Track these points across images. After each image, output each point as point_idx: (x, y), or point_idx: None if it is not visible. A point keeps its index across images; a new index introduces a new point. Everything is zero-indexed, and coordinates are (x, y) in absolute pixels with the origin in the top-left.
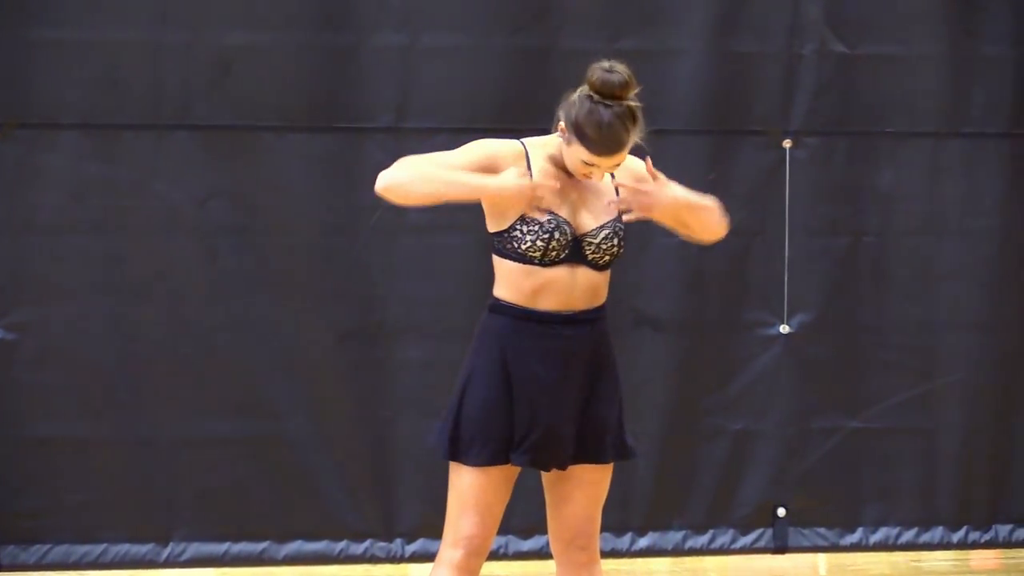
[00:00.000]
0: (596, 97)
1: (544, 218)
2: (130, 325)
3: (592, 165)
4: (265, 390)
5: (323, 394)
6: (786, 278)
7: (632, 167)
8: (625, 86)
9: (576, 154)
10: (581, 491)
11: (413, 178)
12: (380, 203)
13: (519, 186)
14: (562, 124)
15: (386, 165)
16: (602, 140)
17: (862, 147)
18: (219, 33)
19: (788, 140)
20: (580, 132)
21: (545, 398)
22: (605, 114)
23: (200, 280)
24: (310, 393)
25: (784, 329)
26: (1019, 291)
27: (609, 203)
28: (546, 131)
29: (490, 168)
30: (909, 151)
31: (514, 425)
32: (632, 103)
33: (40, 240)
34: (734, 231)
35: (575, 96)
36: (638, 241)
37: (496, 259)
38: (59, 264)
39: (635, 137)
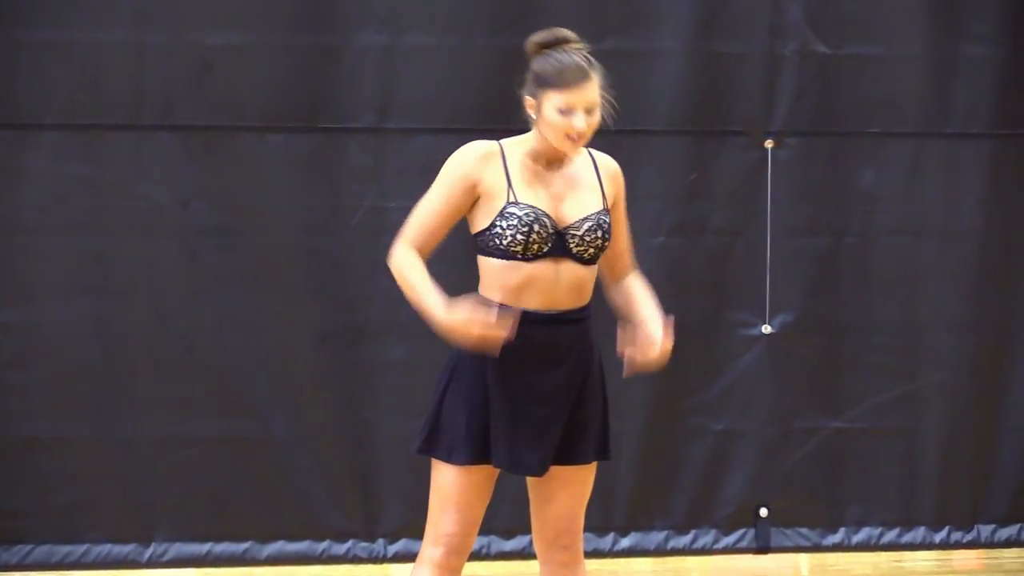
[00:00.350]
0: (546, 50)
1: (522, 212)
2: (113, 325)
3: (569, 113)
4: (247, 390)
5: (305, 394)
6: (768, 278)
7: (614, 172)
8: (568, 35)
9: (550, 107)
10: (565, 490)
11: (402, 280)
12: (362, 202)
13: (458, 329)
14: (529, 99)
15: (369, 166)
16: (567, 70)
17: (844, 147)
18: (201, 33)
19: (770, 140)
20: (544, 80)
21: (527, 400)
22: (560, 54)
23: (182, 280)
24: (292, 393)
25: (766, 329)
26: (1000, 291)
27: (620, 353)
28: (526, 132)
29: (469, 191)
30: (891, 151)
31: (493, 425)
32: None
33: (22, 240)
34: (716, 231)
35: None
36: None
37: (480, 259)
38: (41, 264)
39: (597, 76)
